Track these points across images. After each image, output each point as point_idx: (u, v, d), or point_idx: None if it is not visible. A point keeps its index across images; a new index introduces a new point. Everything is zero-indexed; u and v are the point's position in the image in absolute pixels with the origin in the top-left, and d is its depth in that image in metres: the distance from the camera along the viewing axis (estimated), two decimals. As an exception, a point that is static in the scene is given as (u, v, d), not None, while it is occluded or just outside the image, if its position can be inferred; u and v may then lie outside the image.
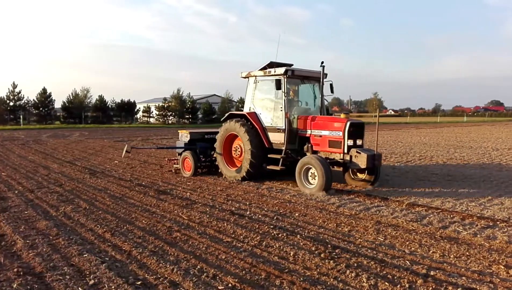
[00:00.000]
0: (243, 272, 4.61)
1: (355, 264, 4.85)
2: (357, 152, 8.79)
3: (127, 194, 8.92)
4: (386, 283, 4.31)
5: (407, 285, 4.26)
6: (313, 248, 5.41)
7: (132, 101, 56.33)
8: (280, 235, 5.98)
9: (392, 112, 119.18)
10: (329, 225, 6.57)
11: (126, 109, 55.26)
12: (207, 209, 7.53)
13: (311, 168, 8.85)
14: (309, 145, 9.57)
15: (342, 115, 9.61)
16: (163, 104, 55.56)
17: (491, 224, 6.55)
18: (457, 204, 7.85)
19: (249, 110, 10.56)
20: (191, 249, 5.42)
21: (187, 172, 11.33)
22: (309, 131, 9.64)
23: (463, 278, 4.46)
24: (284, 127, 9.68)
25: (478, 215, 7.05)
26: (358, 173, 9.74)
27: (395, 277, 4.48)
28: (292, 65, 10.46)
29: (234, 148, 10.71)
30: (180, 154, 11.79)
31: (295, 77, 9.98)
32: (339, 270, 4.68)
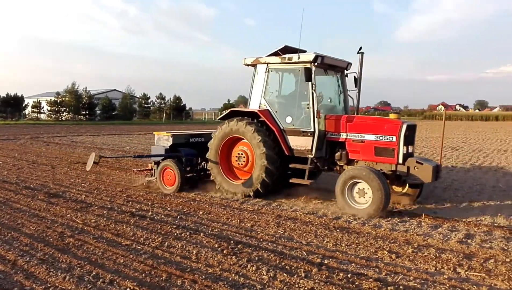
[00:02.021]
0: (143, 275, 4.45)
1: (256, 258, 4.98)
2: (417, 162, 7.06)
3: (12, 198, 8.06)
4: (284, 274, 4.50)
5: (303, 275, 4.50)
6: (216, 245, 5.44)
7: (20, 95, 51.03)
8: (183, 235, 5.90)
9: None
10: (233, 221, 6.66)
11: (12, 104, 49.88)
12: (105, 212, 7.13)
13: (359, 182, 6.90)
14: (344, 152, 7.69)
15: (393, 116, 7.90)
16: (55, 99, 51.14)
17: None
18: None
19: (259, 107, 8.31)
20: (86, 254, 5.09)
21: (168, 187, 8.77)
22: (343, 135, 7.65)
23: (353, 264, 4.85)
24: (312, 130, 7.64)
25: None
26: (394, 187, 7.88)
27: (293, 268, 4.70)
28: (305, 51, 8.23)
29: (237, 155, 8.42)
30: (157, 163, 9.13)
31: (322, 66, 7.95)
32: (240, 265, 4.76)
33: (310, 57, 7.64)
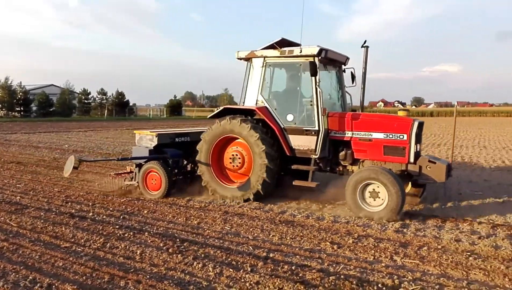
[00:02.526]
0: (84, 277, 4.29)
1: (203, 255, 4.97)
2: (429, 161, 6.80)
3: None
4: (231, 269, 4.53)
5: (249, 269, 4.55)
6: (161, 244, 5.35)
7: None
8: (126, 235, 5.74)
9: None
10: (179, 219, 6.58)
11: None
12: (42, 214, 6.76)
13: (372, 183, 6.53)
14: (349, 152, 7.29)
15: (402, 113, 7.65)
16: (-14, 95, 47.53)
17: (320, 206, 7.42)
18: (291, 191, 8.35)
19: (256, 104, 7.74)
20: (22, 259, 4.81)
21: (153, 192, 7.93)
22: (349, 133, 7.23)
23: (297, 256, 4.98)
24: (316, 128, 7.19)
25: (309, 199, 7.86)
26: None
27: (239, 263, 4.74)
28: (299, 45, 7.76)
29: (231, 157, 7.79)
30: (138, 165, 8.21)
31: (324, 60, 7.46)
32: (186, 263, 4.73)
33: (314, 50, 7.13)
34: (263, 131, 7.34)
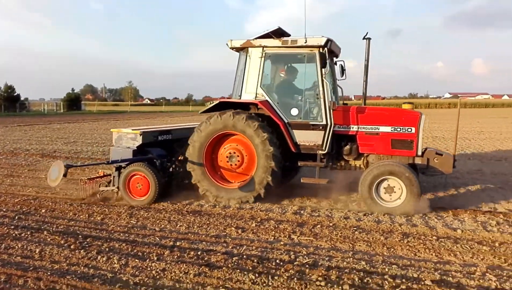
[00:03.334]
0: (-25, 281, 4.04)
1: (107, 249, 4.95)
2: (436, 153, 6.83)
3: None
4: (137, 260, 4.61)
5: (155, 258, 4.67)
6: (62, 242, 5.20)
7: None
8: (23, 235, 5.46)
9: (148, 101, 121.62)
10: (81, 216, 6.39)
11: None
12: None
13: (388, 179, 6.43)
14: (354, 146, 7.06)
15: (407, 106, 7.33)
16: None
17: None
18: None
19: (256, 97, 7.18)
20: None
21: (138, 198, 7.07)
22: (354, 127, 6.99)
23: (203, 243, 5.21)
24: (324, 123, 6.83)
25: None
26: None
27: (145, 253, 4.83)
28: (289, 35, 7.29)
29: (228, 155, 7.18)
30: (118, 168, 7.24)
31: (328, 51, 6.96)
32: (90, 257, 4.68)
33: (321, 41, 6.74)
34: (269, 131, 6.87)
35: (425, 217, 6.26)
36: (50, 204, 7.08)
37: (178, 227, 5.86)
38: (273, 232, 5.62)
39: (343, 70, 7.57)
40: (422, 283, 4.11)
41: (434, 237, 5.43)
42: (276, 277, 4.20)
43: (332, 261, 4.64)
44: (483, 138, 17.57)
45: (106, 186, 7.39)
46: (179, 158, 7.74)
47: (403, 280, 4.16)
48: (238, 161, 7.14)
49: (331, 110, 6.79)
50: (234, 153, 7.16)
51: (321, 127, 6.87)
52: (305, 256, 4.75)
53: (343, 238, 5.42)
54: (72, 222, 6.08)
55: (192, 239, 5.34)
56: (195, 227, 5.87)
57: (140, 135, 7.37)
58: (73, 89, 61.21)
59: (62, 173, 6.08)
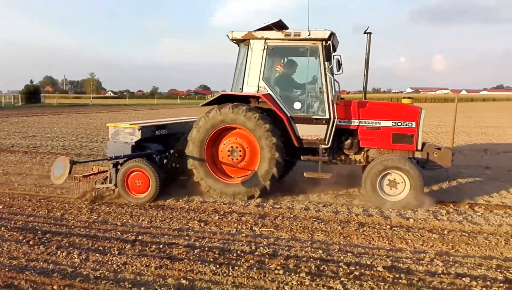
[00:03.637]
0: None
1: (67, 244, 4.92)
2: (436, 148, 6.93)
3: None
4: (97, 254, 4.61)
5: (116, 252, 4.69)
6: (20, 238, 5.11)
7: None
8: (-23, 232, 5.31)
9: (112, 94, 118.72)
10: (40, 212, 6.28)
11: None
12: None
13: (392, 173, 6.50)
14: (355, 140, 7.06)
15: (407, 101, 7.36)
16: None
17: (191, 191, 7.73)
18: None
19: (258, 90, 7.04)
20: None
21: (138, 195, 6.81)
22: (355, 122, 7.01)
23: (166, 236, 5.26)
24: (327, 117, 6.84)
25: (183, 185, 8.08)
26: None
27: (106, 248, 4.83)
28: (288, 27, 7.20)
29: (229, 149, 7.09)
30: (115, 164, 6.88)
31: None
32: (49, 253, 4.64)
33: (325, 34, 6.69)
34: (270, 122, 6.80)
35: (380, 208, 6.56)
36: (8, 199, 6.90)
37: (140, 222, 5.87)
38: (236, 225, 5.74)
39: (339, 64, 7.32)
40: (375, 269, 4.34)
41: (388, 226, 5.71)
42: (236, 268, 4.32)
43: (291, 250, 4.81)
44: (439, 131, 18.40)
45: (102, 183, 7.06)
46: (175, 153, 7.60)
47: (357, 267, 4.39)
48: (240, 155, 7.06)
49: (335, 104, 6.78)
50: (236, 147, 7.07)
51: (324, 121, 6.88)
52: (265, 247, 4.90)
53: (303, 229, 5.61)
54: (31, 218, 5.97)
55: (154, 233, 5.38)
56: (158, 221, 5.90)
57: (139, 130, 7.15)
58: (31, 81, 58.52)
59: (68, 170, 5.93)
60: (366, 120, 7.02)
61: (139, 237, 5.19)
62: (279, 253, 4.72)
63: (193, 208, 6.54)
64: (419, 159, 6.98)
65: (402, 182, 6.51)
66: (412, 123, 6.88)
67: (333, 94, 6.80)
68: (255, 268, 4.31)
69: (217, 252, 4.71)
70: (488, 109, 43.56)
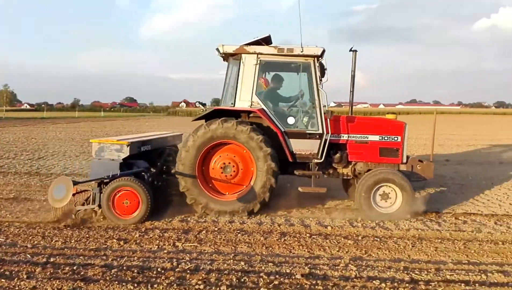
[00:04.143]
0: None
1: (-34, 272, 4.46)
2: (419, 161, 7.23)
3: None
4: (3, 279, 4.25)
5: (25, 276, 4.35)
6: None
7: None
8: None
9: (28, 106, 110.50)
10: None
11: None
12: None
13: (384, 186, 6.72)
14: (344, 154, 7.16)
15: (391, 116, 7.69)
16: None
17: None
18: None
19: (251, 105, 6.94)
20: None
21: (126, 217, 6.31)
22: (344, 136, 7.14)
23: (81, 257, 4.98)
24: (320, 131, 6.94)
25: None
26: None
27: (13, 272, 4.47)
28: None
29: (222, 166, 6.85)
30: (100, 183, 6.35)
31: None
32: None
33: (318, 51, 6.87)
34: (262, 133, 6.73)
35: (302, 217, 6.80)
36: None
37: (53, 243, 5.50)
38: (158, 241, 5.61)
39: (323, 70, 7.26)
40: (293, 277, 4.48)
41: (307, 235, 5.94)
42: (155, 285, 4.22)
43: (213, 264, 4.81)
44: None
45: (83, 204, 6.52)
46: (160, 170, 7.48)
47: (277, 276, 4.50)
48: (234, 171, 6.88)
49: (328, 119, 6.90)
50: (229, 163, 6.88)
51: (317, 136, 6.97)
52: (187, 262, 4.84)
53: (227, 242, 5.64)
54: None
55: (69, 254, 5.07)
56: (73, 241, 5.57)
57: (128, 146, 6.67)
58: None
59: (71, 192, 5.61)
60: (355, 135, 7.19)
61: (51, 259, 4.86)
62: (201, 268, 4.69)
63: (112, 227, 6.24)
64: (404, 171, 7.16)
65: (393, 194, 6.77)
66: (397, 137, 7.16)
67: (326, 109, 6.96)
68: (175, 285, 4.23)
69: (136, 270, 4.56)
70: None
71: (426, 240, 5.84)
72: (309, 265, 4.84)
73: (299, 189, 7.09)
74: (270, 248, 5.42)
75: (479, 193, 8.92)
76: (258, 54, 6.97)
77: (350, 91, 7.61)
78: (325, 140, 6.93)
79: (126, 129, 31.68)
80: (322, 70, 7.18)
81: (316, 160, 7.01)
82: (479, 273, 4.67)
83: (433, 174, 7.27)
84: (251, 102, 6.97)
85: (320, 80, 7.01)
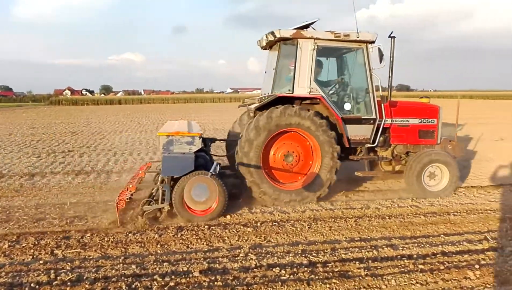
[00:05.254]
0: None
1: None
2: (450, 141, 7.76)
3: None
4: None
5: None
6: None
7: None
8: None
9: None
10: None
11: None
12: None
13: (433, 165, 7.20)
14: (387, 137, 7.43)
15: (425, 100, 8.00)
16: None
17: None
18: None
19: (310, 92, 6.76)
20: None
21: (200, 215, 5.91)
22: (388, 120, 7.31)
23: None
24: (374, 116, 7.08)
25: None
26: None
27: None
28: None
29: (285, 154, 6.83)
30: (175, 179, 5.93)
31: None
32: None
33: (373, 36, 6.93)
34: (330, 127, 6.77)
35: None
36: None
37: None
38: (32, 251, 4.84)
39: (381, 55, 7.03)
40: (191, 275, 4.18)
41: (206, 226, 5.66)
42: (26, 306, 3.57)
43: (99, 271, 4.27)
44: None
45: (150, 204, 5.88)
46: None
47: (173, 276, 4.16)
48: (296, 160, 6.87)
49: (382, 104, 7.13)
50: (293, 152, 6.86)
51: (371, 121, 7.13)
52: (68, 273, 4.23)
53: (115, 244, 5.10)
54: None
55: None
56: None
57: (200, 138, 6.19)
58: None
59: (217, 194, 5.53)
60: (397, 118, 7.49)
61: None
62: (84, 277, 4.13)
63: (-26, 238, 5.27)
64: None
65: (439, 174, 7.31)
66: (434, 120, 7.66)
67: (380, 94, 7.15)
68: (52, 302, 3.64)
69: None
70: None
71: (321, 220, 5.98)
72: (208, 260, 4.57)
73: (356, 173, 7.35)
74: (166, 246, 5.03)
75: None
76: (315, 39, 6.86)
77: (389, 76, 7.60)
78: (378, 125, 7.20)
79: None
80: (381, 55, 7.09)
81: (368, 145, 7.29)
82: (370, 249, 4.87)
83: (463, 152, 8.01)
84: (310, 88, 6.86)
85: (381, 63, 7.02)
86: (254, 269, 4.33)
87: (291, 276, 4.19)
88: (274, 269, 4.31)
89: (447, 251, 4.83)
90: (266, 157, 6.85)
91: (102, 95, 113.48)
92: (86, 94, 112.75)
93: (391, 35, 7.38)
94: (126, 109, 46.12)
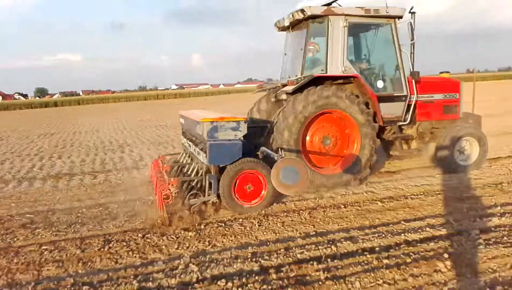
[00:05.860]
0: None
1: None
2: (470, 114, 7.71)
3: None
4: None
5: None
6: None
7: None
8: None
9: None
10: None
11: None
12: None
13: (463, 139, 7.15)
14: (414, 114, 7.15)
15: (447, 75, 7.86)
16: None
17: None
18: None
19: (344, 71, 6.39)
20: None
21: (249, 203, 5.51)
22: (413, 97, 7.04)
23: None
24: (405, 93, 6.90)
25: None
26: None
27: None
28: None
29: (323, 137, 6.49)
30: (222, 168, 5.39)
31: None
32: None
33: (402, 11, 6.69)
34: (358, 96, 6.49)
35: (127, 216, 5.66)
36: None
37: None
38: None
39: (412, 30, 6.83)
40: (117, 300, 3.38)
41: (139, 236, 4.84)
42: None
43: (-3, 308, 3.36)
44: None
45: (195, 196, 5.38)
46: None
47: (93, 304, 3.34)
48: (333, 143, 6.62)
49: (413, 81, 6.93)
50: (330, 134, 6.60)
51: (403, 98, 6.95)
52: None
53: (27, 265, 4.17)
54: None
55: None
56: None
57: (245, 122, 5.59)
58: None
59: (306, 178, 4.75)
60: (422, 95, 7.21)
61: None
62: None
63: None
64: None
65: (468, 148, 7.23)
66: (456, 95, 7.51)
67: (412, 70, 6.92)
68: None
69: None
70: (242, 98, 48.74)
71: (272, 216, 5.38)
72: (140, 277, 3.79)
73: (391, 152, 7.29)
74: (89, 263, 4.17)
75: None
76: (346, 15, 6.53)
77: (411, 52, 7.14)
78: (410, 101, 7.03)
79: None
80: (412, 30, 6.88)
81: (400, 123, 7.08)
82: (328, 245, 4.31)
83: (481, 125, 7.75)
84: (344, 67, 6.52)
85: (412, 40, 6.88)
86: (195, 285, 3.61)
87: (239, 289, 3.51)
88: (219, 282, 3.61)
89: (410, 240, 4.37)
90: (303, 141, 6.51)
91: (37, 98, 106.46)
92: (19, 98, 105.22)
93: (411, 11, 7.03)
94: (62, 111, 43.25)
